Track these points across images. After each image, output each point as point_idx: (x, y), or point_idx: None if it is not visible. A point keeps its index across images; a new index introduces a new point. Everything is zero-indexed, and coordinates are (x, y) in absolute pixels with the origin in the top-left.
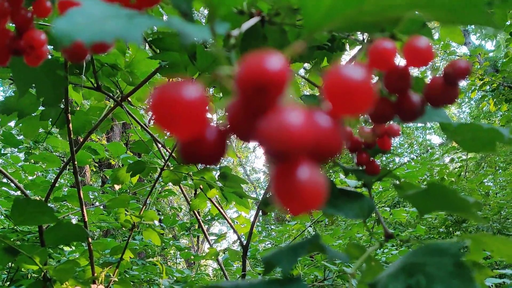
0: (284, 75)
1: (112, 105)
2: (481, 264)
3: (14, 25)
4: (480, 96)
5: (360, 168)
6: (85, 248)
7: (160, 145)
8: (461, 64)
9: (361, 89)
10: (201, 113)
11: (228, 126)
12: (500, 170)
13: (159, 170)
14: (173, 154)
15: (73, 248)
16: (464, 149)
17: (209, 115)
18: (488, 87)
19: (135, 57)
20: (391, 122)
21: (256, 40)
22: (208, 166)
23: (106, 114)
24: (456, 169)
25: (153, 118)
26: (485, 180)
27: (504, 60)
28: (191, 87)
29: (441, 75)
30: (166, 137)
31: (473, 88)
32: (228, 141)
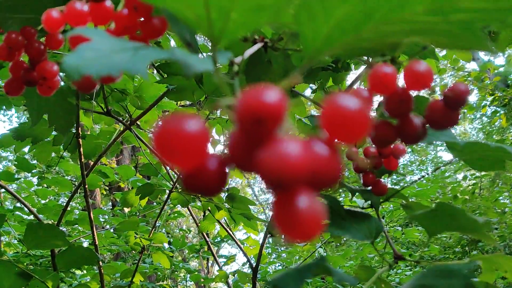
0: (281, 107)
1: (121, 129)
2: (494, 285)
3: (28, 56)
4: (492, 112)
5: (367, 188)
6: (96, 272)
7: (168, 168)
8: (461, 87)
9: (357, 118)
10: (201, 146)
11: (229, 155)
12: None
13: (167, 192)
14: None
15: (85, 271)
16: (473, 168)
17: (209, 147)
18: (499, 102)
19: (143, 81)
20: (397, 143)
21: (261, 65)
22: (209, 196)
23: (115, 138)
24: (470, 187)
25: (155, 149)
26: (501, 198)
27: None
28: (192, 120)
29: (442, 99)
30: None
31: (483, 104)
32: (228, 171)
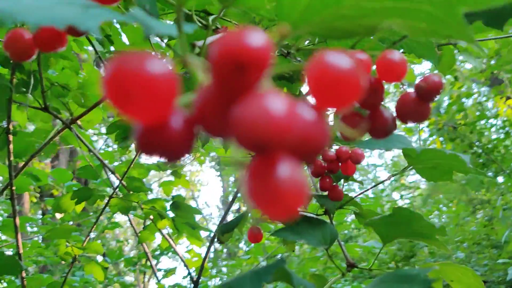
0: (267, 52)
1: (60, 128)
2: None
3: None
4: (428, 135)
5: (323, 193)
6: (18, 285)
7: (109, 172)
8: (435, 78)
9: (349, 79)
10: (168, 92)
11: (196, 116)
12: (444, 207)
13: (106, 198)
14: (123, 181)
15: (5, 284)
16: (423, 177)
17: (176, 98)
18: (434, 126)
19: (89, 78)
20: (354, 147)
21: None
22: (169, 160)
23: (53, 136)
24: (405, 206)
25: (107, 94)
26: (431, 217)
27: (449, 101)
28: (158, 60)
29: (413, 91)
30: (116, 163)
31: (420, 127)
32: (196, 134)
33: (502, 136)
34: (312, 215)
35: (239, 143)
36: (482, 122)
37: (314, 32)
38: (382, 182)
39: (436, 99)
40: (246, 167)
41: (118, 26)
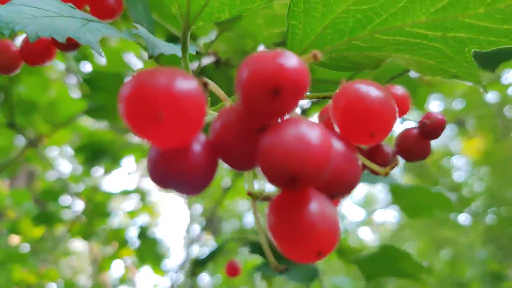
0: (305, 77)
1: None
2: None
3: None
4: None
5: None
6: None
7: (74, 195)
8: (438, 116)
9: (382, 108)
10: (198, 113)
11: (217, 143)
12: (410, 245)
13: (67, 223)
14: (88, 206)
15: None
16: (405, 213)
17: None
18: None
19: (59, 96)
20: None
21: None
22: (187, 193)
23: (17, 155)
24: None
25: (125, 113)
26: None
27: None
28: (185, 75)
29: (415, 127)
30: (83, 186)
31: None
32: (218, 162)
33: (465, 175)
34: None
35: (268, 174)
36: (448, 161)
37: (323, 61)
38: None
39: (438, 137)
40: (270, 203)
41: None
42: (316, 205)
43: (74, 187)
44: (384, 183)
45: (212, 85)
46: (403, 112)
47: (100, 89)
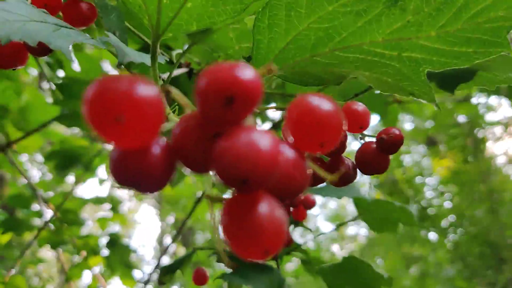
0: (258, 87)
1: None
2: None
3: None
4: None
5: None
6: None
7: (43, 202)
8: (396, 131)
9: (332, 122)
10: (157, 117)
11: (176, 146)
12: (381, 260)
13: (36, 230)
14: (57, 213)
15: None
16: (370, 228)
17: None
18: (375, 181)
19: (32, 101)
20: (307, 193)
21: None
22: (144, 191)
23: None
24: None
25: (88, 114)
26: None
27: None
28: (146, 82)
29: (374, 142)
30: (52, 193)
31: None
32: (176, 164)
33: (434, 194)
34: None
35: (221, 176)
36: (419, 179)
37: (286, 76)
38: (341, 224)
39: (396, 151)
40: (223, 204)
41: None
42: (265, 207)
43: (43, 194)
44: (349, 196)
45: (175, 93)
46: (363, 127)
47: (73, 96)
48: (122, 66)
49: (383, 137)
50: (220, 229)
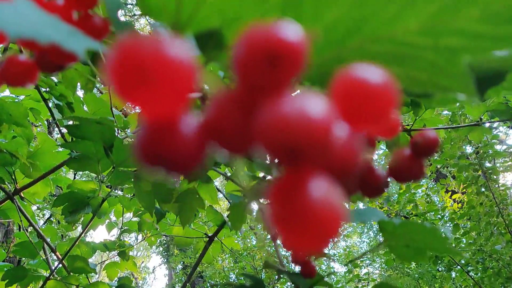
0: (303, 47)
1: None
2: None
3: None
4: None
5: (295, 271)
6: None
7: (50, 250)
8: (431, 134)
9: (382, 93)
10: (187, 80)
11: (212, 123)
12: None
13: (42, 281)
14: (63, 261)
15: None
16: (396, 255)
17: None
18: (387, 215)
19: (41, 147)
20: None
21: None
22: (173, 172)
23: None
24: None
25: (113, 75)
26: None
27: (400, 191)
28: (177, 42)
29: (408, 147)
30: (58, 241)
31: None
32: (208, 146)
33: (450, 228)
34: None
35: (267, 146)
36: (432, 213)
37: (311, 77)
38: (357, 258)
39: (432, 156)
40: (270, 187)
41: (80, 94)
42: (319, 185)
43: (51, 243)
44: (373, 220)
45: (206, 71)
46: (393, 132)
47: (82, 137)
48: None
49: (417, 140)
50: (268, 220)
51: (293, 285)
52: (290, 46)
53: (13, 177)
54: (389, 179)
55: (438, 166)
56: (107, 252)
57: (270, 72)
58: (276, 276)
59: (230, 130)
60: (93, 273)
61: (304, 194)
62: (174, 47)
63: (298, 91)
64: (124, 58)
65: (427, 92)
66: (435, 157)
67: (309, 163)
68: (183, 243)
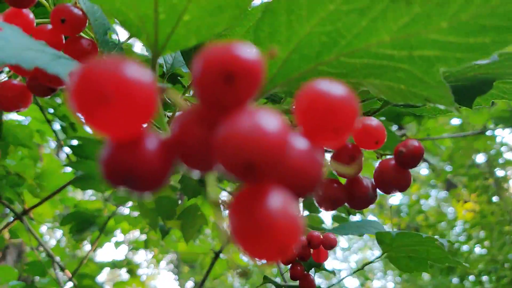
0: (259, 65)
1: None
2: None
3: None
4: None
5: (294, 284)
6: None
7: (59, 269)
8: (414, 143)
9: (343, 107)
10: (147, 102)
11: (175, 140)
12: None
13: None
14: (73, 279)
15: None
16: (398, 268)
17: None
18: (397, 227)
19: (47, 168)
20: (327, 232)
21: None
22: (139, 190)
23: (2, 228)
24: None
25: (75, 97)
26: None
27: (409, 203)
28: (138, 65)
29: (392, 158)
30: (68, 260)
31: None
32: (173, 163)
33: (463, 239)
34: None
35: (224, 163)
36: (443, 223)
37: (291, 91)
38: (357, 270)
39: (416, 165)
40: (231, 200)
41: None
42: (275, 198)
43: (60, 262)
44: (371, 232)
45: (170, 92)
46: (378, 141)
47: (86, 156)
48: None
49: (401, 150)
50: (229, 230)
51: None
52: (244, 64)
53: (22, 197)
54: (376, 190)
55: (448, 176)
56: (117, 268)
57: (226, 90)
58: None
59: (192, 147)
60: None
61: (260, 207)
62: (132, 69)
63: (256, 108)
64: (83, 80)
65: (408, 102)
66: (446, 168)
67: (265, 177)
68: (190, 260)
